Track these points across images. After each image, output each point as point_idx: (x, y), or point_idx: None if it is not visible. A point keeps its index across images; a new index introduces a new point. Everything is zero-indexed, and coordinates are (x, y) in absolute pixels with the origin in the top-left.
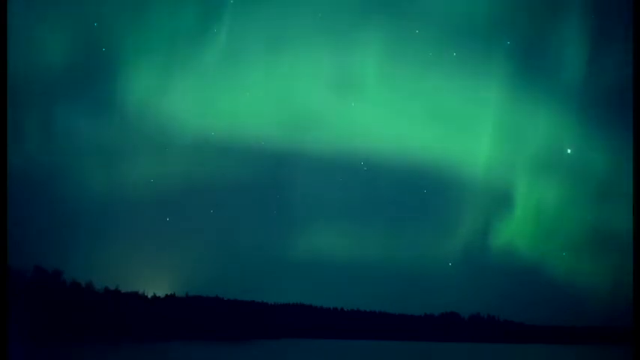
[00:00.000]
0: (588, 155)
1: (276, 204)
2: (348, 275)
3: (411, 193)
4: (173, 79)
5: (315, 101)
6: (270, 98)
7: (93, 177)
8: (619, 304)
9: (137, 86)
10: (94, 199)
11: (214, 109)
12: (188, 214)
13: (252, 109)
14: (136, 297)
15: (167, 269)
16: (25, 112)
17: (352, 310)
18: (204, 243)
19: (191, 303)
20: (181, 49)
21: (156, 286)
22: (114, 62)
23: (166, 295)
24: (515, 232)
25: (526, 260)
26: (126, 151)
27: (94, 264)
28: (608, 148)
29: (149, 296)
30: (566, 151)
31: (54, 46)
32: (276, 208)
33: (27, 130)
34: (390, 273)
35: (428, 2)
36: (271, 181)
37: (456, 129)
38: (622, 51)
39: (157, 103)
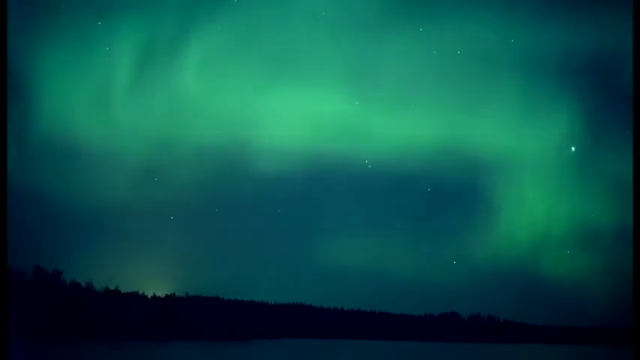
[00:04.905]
0: (593, 154)
1: (277, 204)
2: (348, 275)
3: (414, 191)
4: (181, 75)
5: (318, 100)
6: (272, 95)
7: (93, 176)
8: (619, 304)
9: (140, 84)
10: (94, 199)
11: (222, 110)
12: (191, 213)
13: (255, 109)
14: (136, 297)
15: (167, 269)
16: (24, 113)
17: (352, 310)
18: (205, 243)
19: (191, 303)
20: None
21: (156, 286)
22: (115, 61)
23: (166, 295)
24: (516, 231)
25: (527, 260)
26: (128, 149)
27: (94, 264)
28: (613, 147)
29: (149, 296)
30: (571, 149)
31: (56, 46)
32: (279, 207)
33: (27, 131)
34: (390, 273)
35: (431, 2)
36: (273, 182)
37: (457, 128)
38: (627, 48)
39: (159, 103)
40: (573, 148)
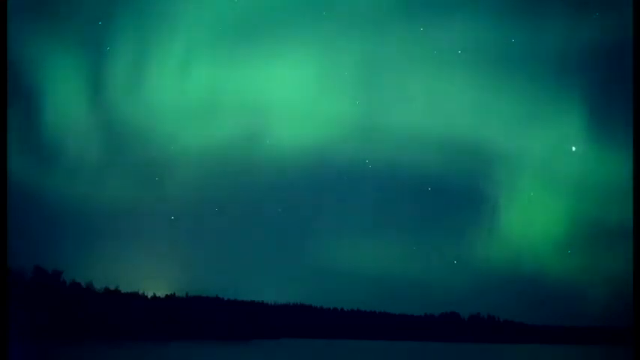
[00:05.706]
0: (593, 153)
1: (278, 204)
2: (348, 275)
3: (414, 191)
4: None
5: (318, 100)
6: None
7: (94, 176)
8: (619, 304)
9: (140, 84)
10: (94, 199)
11: (222, 110)
12: (191, 213)
13: (255, 109)
14: (136, 297)
15: (167, 269)
16: (24, 114)
17: (352, 310)
18: (205, 243)
19: (191, 303)
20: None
21: (156, 286)
22: (119, 63)
23: (166, 295)
24: (517, 231)
25: (527, 260)
26: (129, 149)
27: (94, 264)
28: (613, 147)
29: (149, 296)
30: (571, 148)
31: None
32: (279, 207)
33: (28, 131)
34: (390, 273)
35: (432, 2)
36: (273, 181)
37: (457, 128)
38: (627, 48)
39: (159, 102)
40: (574, 148)
